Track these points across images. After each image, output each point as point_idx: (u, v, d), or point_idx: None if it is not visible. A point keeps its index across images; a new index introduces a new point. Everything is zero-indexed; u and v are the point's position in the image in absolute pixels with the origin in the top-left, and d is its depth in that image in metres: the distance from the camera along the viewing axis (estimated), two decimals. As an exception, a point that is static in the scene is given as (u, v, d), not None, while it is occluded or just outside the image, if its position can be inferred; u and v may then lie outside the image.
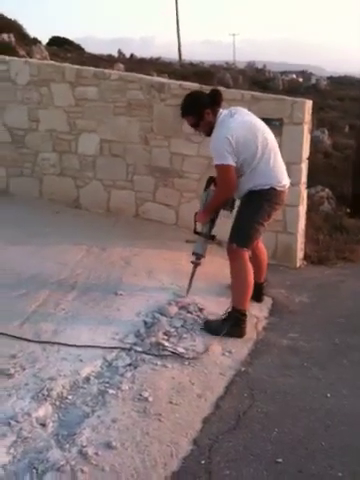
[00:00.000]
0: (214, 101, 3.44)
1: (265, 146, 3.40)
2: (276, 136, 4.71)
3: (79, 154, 5.57)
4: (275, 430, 2.60)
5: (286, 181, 3.52)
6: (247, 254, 3.47)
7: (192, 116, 3.47)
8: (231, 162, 3.28)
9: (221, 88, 5.40)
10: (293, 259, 4.87)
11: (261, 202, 3.41)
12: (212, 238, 3.65)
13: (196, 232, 3.67)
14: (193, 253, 3.71)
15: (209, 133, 3.46)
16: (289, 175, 4.72)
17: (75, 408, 2.58)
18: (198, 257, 3.71)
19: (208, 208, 3.54)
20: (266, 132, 3.47)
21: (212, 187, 3.65)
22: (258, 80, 21.09)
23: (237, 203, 3.59)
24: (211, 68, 22.77)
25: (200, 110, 3.41)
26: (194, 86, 5.19)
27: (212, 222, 3.64)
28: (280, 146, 4.71)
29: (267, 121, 4.74)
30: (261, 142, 3.38)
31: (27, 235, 4.66)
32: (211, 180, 3.67)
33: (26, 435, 2.34)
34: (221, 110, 3.44)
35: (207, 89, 5.07)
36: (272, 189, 3.41)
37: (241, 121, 3.38)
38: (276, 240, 4.87)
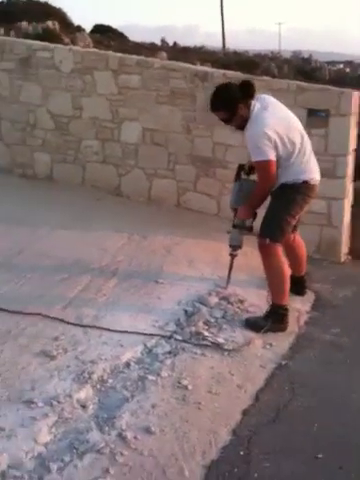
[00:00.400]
0: (247, 93, 3.26)
1: (301, 142, 3.33)
2: (322, 127, 4.67)
3: (121, 142, 5.58)
4: (315, 425, 2.56)
5: (318, 175, 3.45)
6: (280, 248, 3.40)
7: (224, 111, 3.31)
8: (273, 157, 3.20)
9: (266, 78, 5.34)
10: (337, 253, 4.76)
11: (294, 195, 3.34)
12: (250, 230, 3.60)
13: (235, 225, 3.62)
14: (229, 245, 3.68)
15: (241, 127, 3.32)
16: (335, 167, 4.67)
17: (115, 392, 2.61)
18: (235, 248, 3.68)
19: (251, 204, 3.44)
20: (300, 127, 3.39)
21: (243, 176, 3.59)
22: (304, 70, 20.64)
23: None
24: (255, 57, 22.45)
25: (233, 105, 3.24)
26: (238, 75, 5.12)
27: (254, 215, 3.58)
28: (326, 137, 4.68)
29: (313, 112, 4.70)
30: (298, 138, 3.31)
31: (70, 221, 4.71)
32: (241, 168, 3.61)
33: (67, 416, 2.38)
34: (253, 102, 3.27)
35: (252, 78, 5.06)
36: (305, 182, 3.35)
37: (279, 117, 3.28)
38: (320, 234, 4.77)
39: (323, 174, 4.61)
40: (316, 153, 4.62)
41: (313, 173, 3.40)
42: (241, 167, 3.65)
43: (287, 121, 3.33)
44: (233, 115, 3.28)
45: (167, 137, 5.35)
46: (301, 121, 4.65)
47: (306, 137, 3.41)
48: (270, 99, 3.41)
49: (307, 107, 4.71)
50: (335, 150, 4.68)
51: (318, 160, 4.61)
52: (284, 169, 3.32)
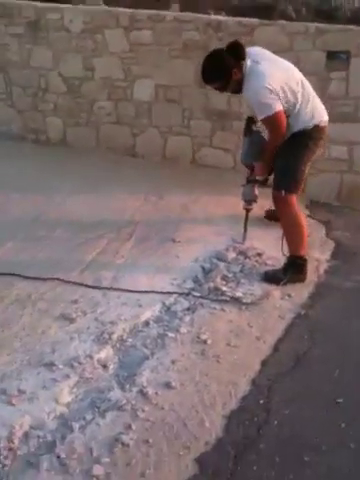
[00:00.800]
0: (237, 56, 3.13)
1: (302, 88, 3.23)
2: (342, 70, 4.49)
3: (134, 101, 5.49)
4: (336, 371, 2.57)
5: (326, 116, 3.34)
6: (295, 198, 3.33)
7: (218, 81, 3.22)
8: (279, 107, 3.09)
9: (282, 21, 5.13)
10: (359, 200, 4.63)
11: (306, 141, 3.25)
12: (264, 183, 3.53)
13: (249, 180, 3.56)
14: (243, 200, 3.65)
15: (238, 90, 3.22)
16: (357, 111, 4.52)
17: (135, 350, 2.66)
18: (249, 202, 3.64)
19: (265, 160, 3.37)
20: (297, 73, 3.28)
21: (254, 128, 3.51)
22: (323, 10, 19.74)
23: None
24: (271, 1, 21.57)
25: (226, 72, 3.13)
26: (253, 22, 4.93)
27: (269, 170, 3.51)
28: (347, 80, 4.50)
29: (333, 54, 4.51)
30: (298, 85, 3.21)
31: (85, 186, 4.70)
32: (250, 120, 3.52)
33: (88, 376, 2.44)
34: (244, 62, 3.13)
35: (268, 23, 4.87)
36: (316, 126, 3.26)
37: (273, 68, 3.15)
38: (341, 180, 4.66)
39: (344, 118, 4.53)
40: (337, 97, 4.53)
41: (321, 115, 3.30)
42: (250, 119, 3.55)
43: (282, 69, 3.23)
44: (228, 83, 3.19)
45: (181, 92, 5.24)
46: (320, 65, 4.55)
47: (306, 82, 3.31)
48: (260, 51, 3.29)
49: (327, 49, 4.54)
50: (357, 93, 4.51)
51: (339, 104, 4.52)
52: (292, 118, 3.23)
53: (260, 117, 3.21)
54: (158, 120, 5.42)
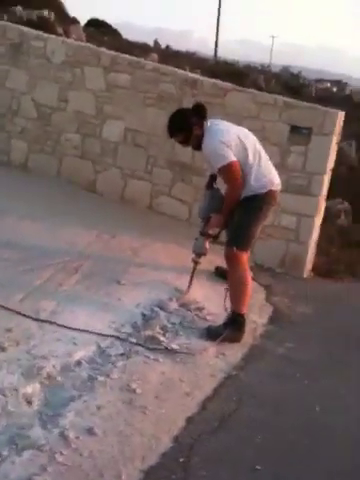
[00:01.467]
0: (200, 115, 3.52)
1: (255, 149, 3.48)
2: (302, 145, 4.73)
3: (102, 139, 5.57)
4: (258, 437, 2.59)
5: (278, 180, 3.57)
6: (246, 257, 3.48)
7: (182, 133, 3.56)
8: (233, 158, 3.34)
9: (253, 90, 5.39)
10: (301, 269, 4.84)
11: (259, 204, 3.45)
12: (216, 238, 3.66)
13: (202, 233, 3.66)
14: (194, 252, 3.73)
15: (198, 146, 3.53)
16: (311, 185, 4.74)
17: (63, 390, 2.60)
18: (198, 255, 3.73)
19: (224, 212, 3.50)
20: (252, 137, 3.57)
21: (215, 185, 3.70)
22: (291, 85, 20.81)
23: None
24: (245, 69, 22.56)
25: (188, 127, 3.50)
26: (227, 86, 5.17)
27: (224, 224, 3.62)
28: (305, 155, 4.74)
29: (296, 129, 4.76)
30: (251, 147, 3.45)
31: (40, 212, 4.68)
32: (213, 178, 3.71)
33: (11, 410, 2.37)
34: (206, 122, 3.50)
35: (241, 90, 5.10)
36: (269, 191, 3.45)
37: (228, 129, 3.50)
38: (286, 248, 4.84)
39: (297, 191, 4.74)
40: (294, 169, 4.75)
41: (274, 181, 3.51)
42: (213, 177, 3.72)
43: (238, 130, 3.53)
44: (189, 137, 3.53)
45: (149, 139, 5.36)
46: (283, 137, 4.78)
47: (260, 147, 3.56)
48: (221, 120, 3.63)
49: (291, 123, 4.78)
50: (313, 168, 4.76)
51: (295, 176, 4.73)
52: (247, 179, 3.41)
53: (216, 167, 3.41)
54: (122, 162, 5.51)
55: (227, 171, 3.36)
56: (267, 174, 3.47)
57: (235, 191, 3.41)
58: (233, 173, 3.35)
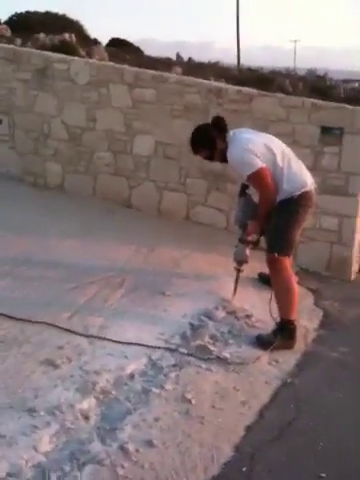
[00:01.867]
0: (220, 128, 3.50)
1: (283, 153, 3.42)
2: (335, 145, 4.68)
3: (134, 155, 5.61)
4: (320, 444, 2.53)
5: (313, 182, 3.50)
6: (289, 261, 3.42)
7: (205, 149, 3.55)
8: (262, 164, 3.29)
9: (279, 94, 5.37)
10: (347, 271, 4.72)
11: (296, 207, 3.38)
12: (256, 244, 3.61)
13: (241, 240, 3.62)
14: (235, 260, 3.69)
15: (224, 159, 3.49)
16: (348, 185, 4.67)
17: (118, 403, 2.59)
18: (240, 263, 3.69)
19: (259, 218, 3.47)
20: (278, 142, 3.51)
21: (248, 191, 3.67)
22: (318, 87, 20.71)
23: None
24: (270, 74, 22.57)
25: (211, 142, 3.48)
26: (252, 92, 5.15)
27: (261, 231, 3.59)
28: (339, 155, 4.68)
29: (327, 130, 4.71)
30: (278, 152, 3.40)
31: (80, 231, 4.73)
32: (245, 186, 3.69)
33: (69, 426, 2.37)
34: (228, 134, 3.48)
35: (266, 94, 5.10)
36: (304, 192, 3.38)
37: (252, 136, 3.46)
38: (330, 251, 4.74)
39: (335, 191, 4.67)
40: (329, 170, 4.69)
41: (307, 182, 3.44)
42: (245, 186, 3.70)
43: (263, 137, 3.50)
44: (214, 151, 3.51)
45: (180, 151, 5.37)
46: (314, 138, 4.73)
47: (288, 149, 3.51)
48: (243, 129, 3.61)
49: (321, 125, 4.73)
50: (348, 168, 4.68)
51: (331, 177, 4.67)
52: (280, 183, 3.36)
53: (246, 176, 3.37)
54: (155, 175, 5.53)
55: (257, 178, 3.32)
56: (299, 175, 3.41)
57: (268, 197, 3.36)
58: (263, 179, 3.31)
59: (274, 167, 3.35)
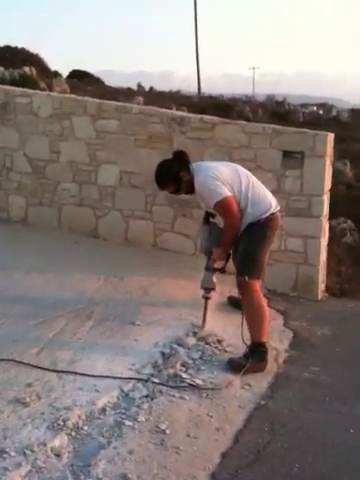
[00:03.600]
0: (182, 161, 3.56)
1: (247, 178, 3.51)
2: (297, 169, 4.79)
3: (99, 185, 5.61)
4: (296, 466, 2.52)
5: (276, 202, 3.58)
6: (259, 284, 3.45)
7: (171, 184, 3.58)
8: (228, 192, 3.36)
9: (242, 122, 5.48)
10: (314, 291, 4.80)
11: (264, 230, 3.44)
12: (223, 271, 3.65)
13: (208, 268, 3.64)
14: (201, 287, 3.70)
15: (190, 190, 3.54)
16: (311, 207, 4.77)
17: (91, 439, 2.53)
18: (207, 291, 3.70)
19: (224, 246, 3.52)
20: (241, 168, 3.61)
21: (211, 220, 3.70)
22: (278, 113, 21.24)
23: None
24: (230, 101, 23.05)
25: (177, 176, 3.52)
26: (214, 120, 5.25)
27: (227, 257, 3.62)
28: (301, 178, 4.79)
29: (288, 154, 4.82)
30: (243, 177, 3.48)
31: (46, 264, 4.68)
32: (209, 214, 3.71)
33: (41, 465, 2.29)
34: (191, 165, 3.54)
35: (229, 122, 5.20)
36: (270, 215, 3.45)
37: (217, 165, 3.56)
38: (297, 272, 4.82)
39: (299, 213, 4.76)
40: (292, 193, 4.79)
41: (272, 204, 3.51)
42: (208, 214, 3.73)
43: (226, 165, 3.61)
44: (179, 185, 3.55)
45: (145, 179, 5.37)
46: (276, 163, 4.83)
47: (253, 176, 3.59)
48: (206, 160, 3.77)
49: (282, 149, 4.84)
50: (311, 190, 4.79)
51: (294, 200, 4.77)
52: (247, 208, 3.42)
53: (211, 204, 3.42)
54: (121, 204, 5.54)
55: (223, 206, 3.38)
56: (263, 199, 3.48)
57: (233, 224, 3.42)
58: (229, 207, 3.37)
59: (239, 193, 3.41)
